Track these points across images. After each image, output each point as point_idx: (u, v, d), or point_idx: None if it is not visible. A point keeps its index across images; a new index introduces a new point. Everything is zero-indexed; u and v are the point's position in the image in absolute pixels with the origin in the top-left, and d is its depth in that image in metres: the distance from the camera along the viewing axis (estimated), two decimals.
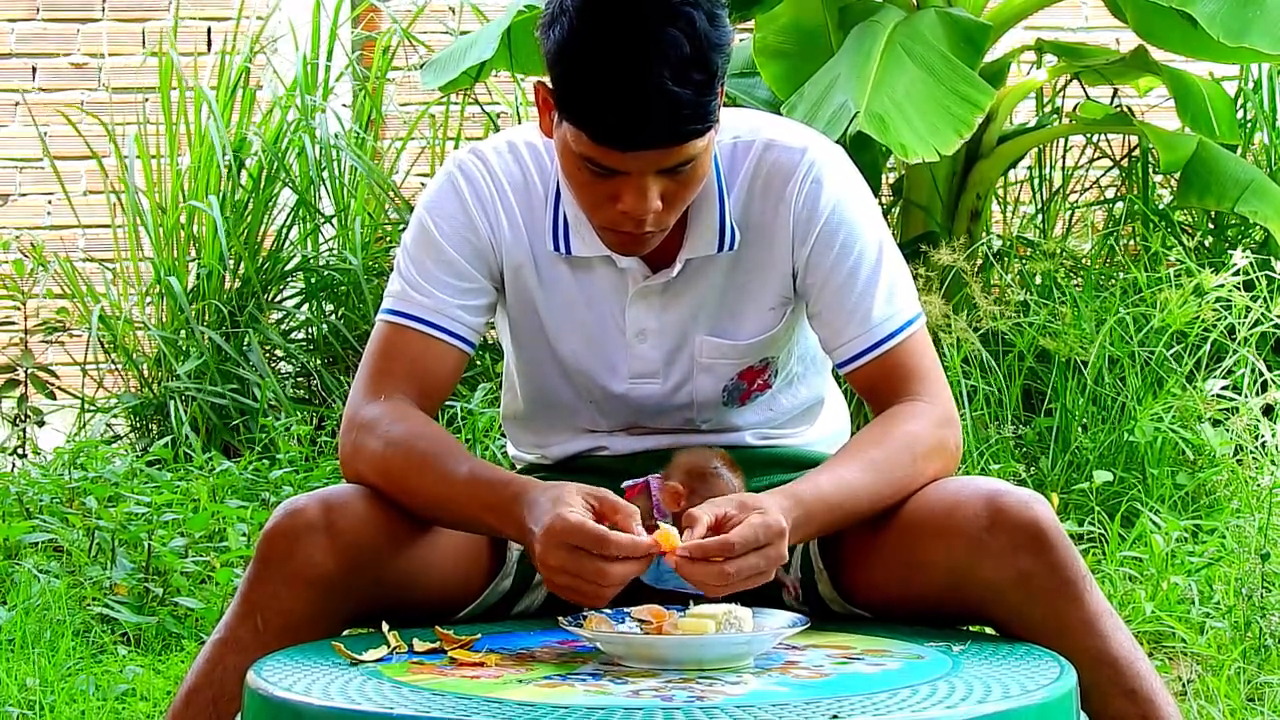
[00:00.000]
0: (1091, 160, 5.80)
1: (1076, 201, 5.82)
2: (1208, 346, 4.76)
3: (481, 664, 2.15)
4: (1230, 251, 5.04)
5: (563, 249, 2.48)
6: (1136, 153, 5.65)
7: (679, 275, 2.48)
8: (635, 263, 2.47)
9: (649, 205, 2.32)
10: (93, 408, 5.74)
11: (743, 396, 2.55)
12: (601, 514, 2.23)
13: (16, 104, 6.77)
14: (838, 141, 4.13)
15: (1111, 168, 5.79)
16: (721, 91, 2.31)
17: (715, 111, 2.31)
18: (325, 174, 5.87)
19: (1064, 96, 5.84)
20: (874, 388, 2.47)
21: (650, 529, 2.22)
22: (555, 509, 2.20)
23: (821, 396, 2.66)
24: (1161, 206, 5.52)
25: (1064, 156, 5.78)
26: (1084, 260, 5.38)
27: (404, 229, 5.02)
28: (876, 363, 2.45)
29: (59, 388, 5.82)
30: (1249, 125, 5.65)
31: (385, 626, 2.27)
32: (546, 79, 2.35)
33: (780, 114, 4.71)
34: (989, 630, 2.39)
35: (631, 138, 2.27)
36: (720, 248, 2.47)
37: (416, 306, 2.48)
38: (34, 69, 6.84)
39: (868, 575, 2.41)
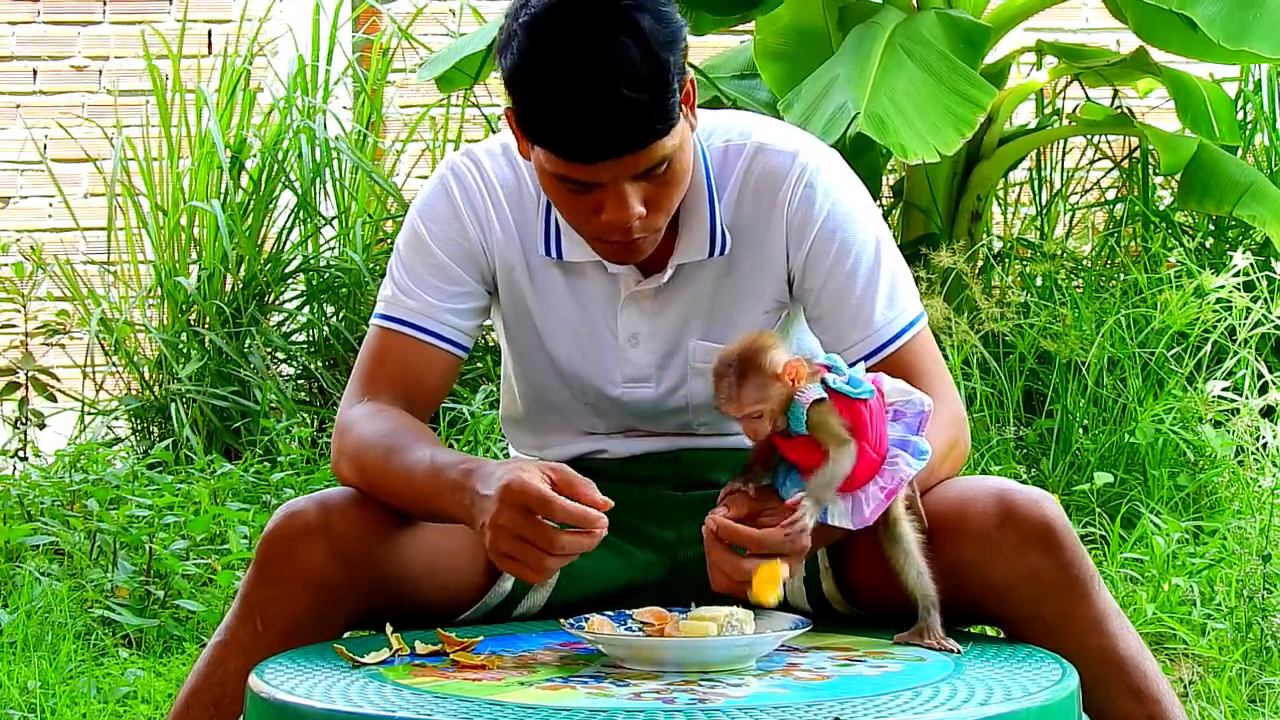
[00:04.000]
0: (1092, 162, 5.80)
1: (1077, 203, 5.82)
2: (1208, 348, 4.76)
3: (483, 666, 2.15)
4: (1230, 253, 5.05)
5: (554, 253, 2.48)
6: (1137, 154, 5.65)
7: (670, 280, 2.47)
8: (627, 268, 2.47)
9: (631, 212, 2.32)
10: (93, 410, 5.75)
11: None
12: (558, 487, 2.21)
13: (18, 106, 6.78)
14: (837, 143, 4.13)
15: (1112, 169, 5.79)
16: (683, 85, 2.30)
17: (676, 109, 2.30)
18: (326, 175, 5.87)
19: (1064, 98, 5.84)
20: None
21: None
22: (512, 474, 2.20)
23: None
24: (1162, 208, 5.52)
25: (1064, 158, 5.78)
26: (1084, 262, 5.38)
27: None
28: (881, 366, 2.45)
29: (60, 390, 5.82)
30: (1249, 126, 5.65)
31: (389, 629, 2.27)
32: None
33: (772, 111, 4.72)
34: (990, 631, 2.39)
35: (595, 149, 2.27)
36: (711, 252, 2.46)
37: (406, 311, 2.48)
38: (35, 72, 6.85)
39: (873, 574, 2.41)
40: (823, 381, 2.22)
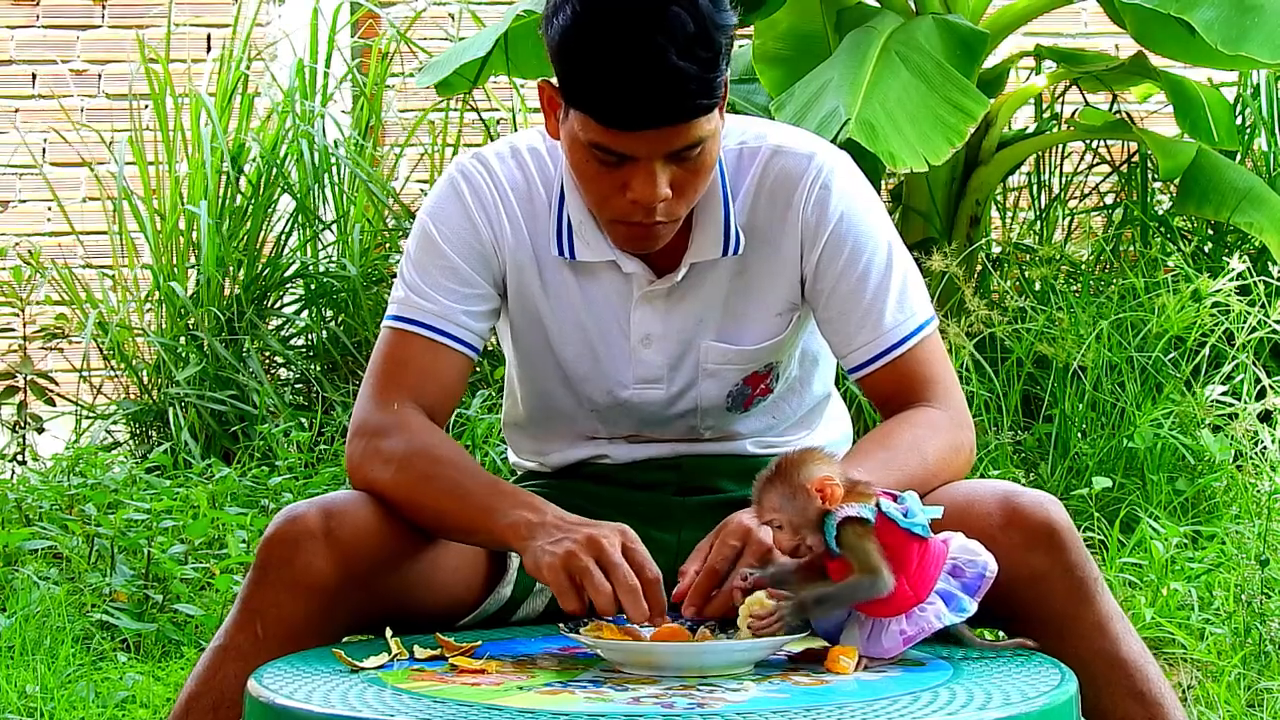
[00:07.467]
0: (1090, 166, 5.80)
1: (1075, 208, 5.82)
2: (1206, 352, 4.76)
3: (482, 671, 2.15)
4: (1228, 257, 5.04)
5: (566, 253, 2.48)
6: (1135, 159, 5.65)
7: (684, 279, 2.48)
8: (640, 267, 2.47)
9: (658, 192, 2.32)
10: (92, 414, 5.74)
11: (746, 402, 2.55)
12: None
13: (16, 111, 6.78)
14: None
15: (1110, 174, 5.80)
16: (726, 71, 2.31)
17: (721, 89, 2.31)
18: (325, 180, 5.87)
19: (1063, 102, 5.84)
20: (886, 394, 2.47)
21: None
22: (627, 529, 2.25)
23: (821, 401, 2.66)
24: (1160, 212, 5.53)
25: (1063, 162, 5.78)
26: (1082, 266, 5.38)
27: (404, 235, 4.99)
28: (889, 368, 2.46)
29: (58, 394, 5.82)
30: (1248, 131, 5.65)
31: (388, 633, 2.27)
32: (551, 78, 2.35)
33: (770, 115, 4.72)
34: (989, 635, 2.39)
35: (639, 116, 2.27)
36: (725, 251, 2.47)
37: (421, 312, 2.47)
38: (34, 76, 6.85)
39: None
40: (877, 505, 2.12)
